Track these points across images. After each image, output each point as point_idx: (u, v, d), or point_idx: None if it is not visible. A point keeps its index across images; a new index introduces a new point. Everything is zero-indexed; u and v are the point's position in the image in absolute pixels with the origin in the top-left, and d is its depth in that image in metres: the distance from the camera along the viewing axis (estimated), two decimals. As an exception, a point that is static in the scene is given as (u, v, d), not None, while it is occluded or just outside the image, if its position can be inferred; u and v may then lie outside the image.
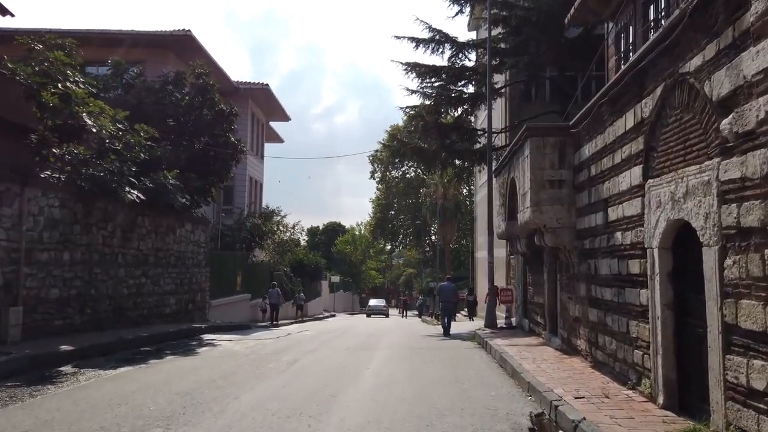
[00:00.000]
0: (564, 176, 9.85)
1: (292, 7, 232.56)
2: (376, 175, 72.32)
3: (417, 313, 55.98)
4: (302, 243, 71.30)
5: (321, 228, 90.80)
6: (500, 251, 30.55)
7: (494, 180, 17.14)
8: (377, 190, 72.80)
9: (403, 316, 45.75)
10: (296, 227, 40.07)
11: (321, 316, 42.20)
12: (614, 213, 7.61)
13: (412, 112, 23.54)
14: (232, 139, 20.83)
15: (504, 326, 16.15)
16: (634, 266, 6.86)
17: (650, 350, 6.33)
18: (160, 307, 16.64)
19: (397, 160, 72.73)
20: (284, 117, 36.54)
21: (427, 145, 24.49)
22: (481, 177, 36.77)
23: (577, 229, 9.66)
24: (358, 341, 15.25)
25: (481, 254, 38.57)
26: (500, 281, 32.20)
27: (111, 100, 17.42)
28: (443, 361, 10.89)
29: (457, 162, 25.32)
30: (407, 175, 71.80)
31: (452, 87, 24.29)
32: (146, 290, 15.71)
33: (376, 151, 73.15)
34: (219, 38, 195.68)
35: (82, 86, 13.06)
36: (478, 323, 24.24)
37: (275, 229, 34.74)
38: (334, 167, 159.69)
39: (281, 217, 39.25)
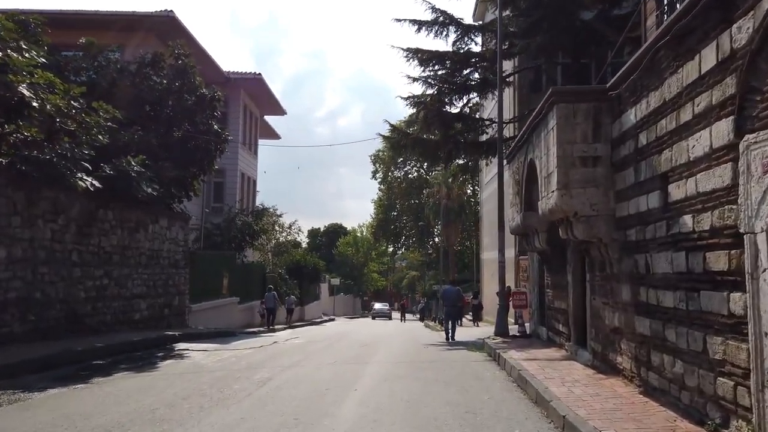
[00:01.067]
0: (599, 151, 7.91)
1: (295, 13, 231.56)
2: (377, 175, 70.52)
3: (419, 316, 54.52)
4: (303, 245, 69.95)
5: (322, 230, 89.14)
6: (508, 251, 28.58)
7: (506, 169, 15.23)
8: (379, 190, 70.96)
9: (402, 320, 45.32)
10: (293, 227, 38.11)
11: (319, 320, 40.26)
12: (679, 190, 5.67)
13: (413, 100, 21.65)
14: (216, 127, 18.95)
15: (517, 334, 14.20)
16: (718, 260, 4.92)
17: (750, 381, 4.38)
18: (128, 312, 14.74)
19: (399, 160, 71.12)
20: (279, 110, 34.67)
21: (430, 137, 22.67)
22: (488, 173, 34.84)
23: (616, 217, 7.72)
24: (351, 352, 13.31)
25: (487, 255, 36.62)
26: (508, 284, 30.12)
27: (81, 84, 15.60)
28: (449, 380, 8.93)
29: (463, 155, 23.36)
30: (410, 176, 69.96)
31: (457, 74, 22.42)
32: (110, 293, 13.82)
33: (378, 151, 71.75)
34: (222, 42, 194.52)
35: (27, 56, 11.17)
36: (484, 329, 22.25)
37: (268, 228, 32.90)
38: (336, 170, 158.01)
39: (277, 217, 37.46)
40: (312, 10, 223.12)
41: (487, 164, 23.40)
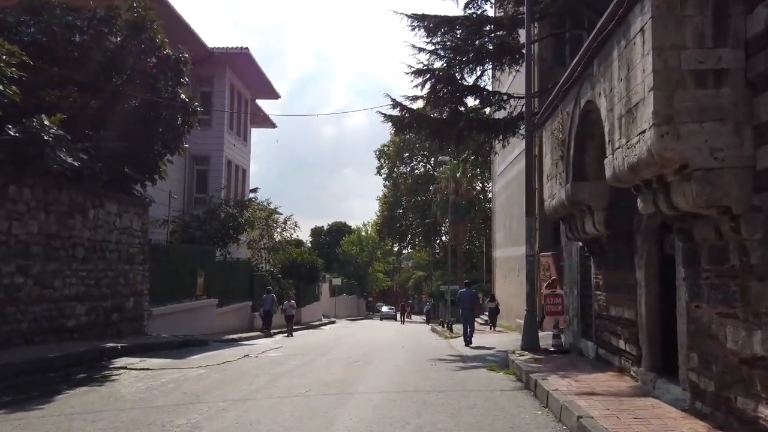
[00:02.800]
0: (726, 61, 4.73)
1: (302, 18, 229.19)
2: (382, 171, 67.49)
3: (425, 318, 51.73)
4: (306, 244, 66.88)
5: (326, 228, 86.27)
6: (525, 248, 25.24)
7: (530, 154, 12.07)
8: (384, 187, 67.92)
9: (402, 322, 44.87)
10: (288, 223, 34.95)
11: (317, 323, 37.19)
12: None
13: (419, 68, 18.51)
14: (183, 96, 15.85)
15: (551, 349, 11.01)
16: None
17: None
18: (57, 318, 11.64)
19: (406, 155, 67.84)
20: (272, 94, 31.55)
21: (438, 116, 19.62)
22: (502, 162, 31.59)
23: (757, 169, 4.57)
24: (335, 372, 10.15)
25: (500, 253, 33.35)
26: (521, 289, 26.73)
27: (21, 43, 12.60)
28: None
29: (476, 134, 20.14)
30: (416, 171, 66.93)
31: (470, 43, 19.30)
32: (27, 294, 10.72)
33: (383, 145, 68.56)
34: (225, 42, 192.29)
35: None
36: (501, 337, 19.04)
37: (255, 221, 29.81)
38: (341, 171, 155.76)
39: (271, 211, 34.35)
40: (317, 12, 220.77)
41: (504, 145, 20.11)
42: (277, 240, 33.79)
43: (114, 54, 14.73)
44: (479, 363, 11.89)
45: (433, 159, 65.13)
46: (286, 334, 23.03)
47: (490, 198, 60.47)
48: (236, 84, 28.08)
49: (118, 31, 14.93)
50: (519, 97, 20.69)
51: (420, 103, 19.08)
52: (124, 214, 14.13)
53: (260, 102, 32.83)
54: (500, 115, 20.47)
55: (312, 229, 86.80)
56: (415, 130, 19.76)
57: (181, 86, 15.86)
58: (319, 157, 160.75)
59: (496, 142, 20.35)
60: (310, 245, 78.11)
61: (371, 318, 61.74)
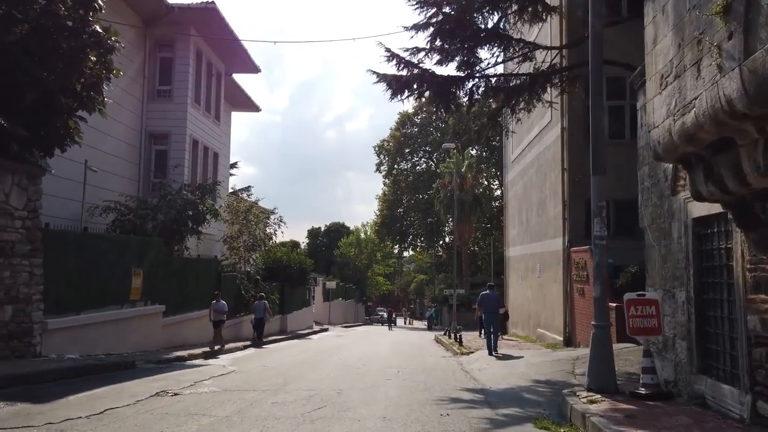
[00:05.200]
0: None
1: (304, 23, 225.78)
2: (382, 168, 63.23)
3: (426, 324, 47.90)
4: (302, 246, 62.62)
5: (323, 229, 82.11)
6: (551, 242, 20.86)
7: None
8: (384, 185, 63.72)
9: (389, 329, 43.70)
10: (272, 218, 30.55)
11: (305, 331, 32.76)
12: None
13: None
14: (96, 27, 11.46)
15: (642, 391, 6.60)
16: None
17: None
18: None
19: (407, 151, 63.46)
20: (250, 67, 27.08)
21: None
22: (514, 149, 27.19)
23: None
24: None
25: (515, 251, 28.86)
26: (542, 291, 22.34)
27: None
28: None
29: (493, 95, 15.75)
30: (417, 167, 62.71)
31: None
32: None
33: (383, 140, 64.19)
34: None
35: None
36: (530, 355, 14.41)
37: (229, 210, 25.54)
38: (343, 174, 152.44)
39: (252, 204, 30.00)
40: (319, 16, 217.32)
41: (530, 109, 15.69)
42: (258, 237, 29.38)
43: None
44: (516, 408, 7.49)
45: (435, 154, 61.06)
46: (259, 344, 18.68)
47: (497, 196, 56.53)
48: (205, 51, 23.70)
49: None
50: (551, 48, 16.42)
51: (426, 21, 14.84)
52: (-6, 186, 9.76)
53: (242, 82, 28.50)
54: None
55: (309, 230, 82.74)
56: (416, 93, 15.35)
57: (93, 12, 11.49)
58: (322, 160, 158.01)
59: (516, 110, 15.90)
60: (306, 247, 73.99)
61: (369, 324, 57.41)
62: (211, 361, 14.17)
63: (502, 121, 17.69)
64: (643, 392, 6.57)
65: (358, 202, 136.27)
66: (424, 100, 17.42)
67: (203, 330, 18.01)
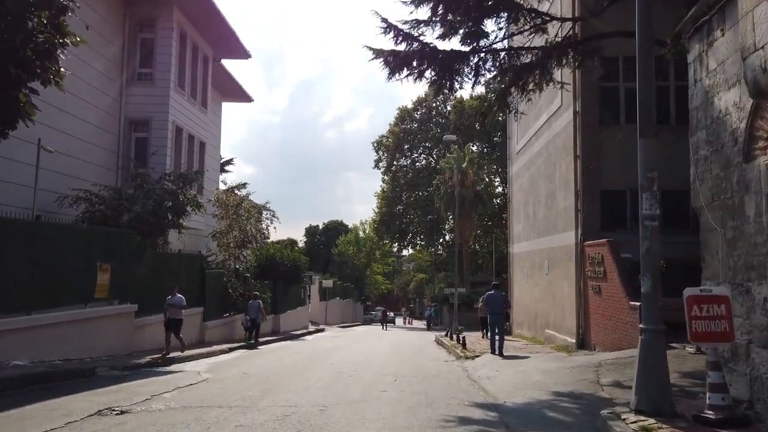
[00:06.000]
0: None
1: (301, 19, 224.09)
2: (381, 164, 61.72)
3: (425, 324, 46.44)
4: (291, 242, 61.11)
5: (321, 228, 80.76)
6: (561, 237, 19.24)
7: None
8: (383, 182, 62.18)
9: (384, 328, 43.63)
10: (264, 213, 28.94)
11: (300, 332, 31.24)
12: None
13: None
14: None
15: (710, 415, 5.08)
16: None
17: None
18: None
19: (406, 147, 61.80)
20: (239, 52, 25.50)
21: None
22: (520, 139, 25.63)
23: None
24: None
25: (519, 248, 27.30)
26: (550, 289, 20.65)
27: None
28: None
29: (500, 72, 14.19)
30: (417, 164, 61.20)
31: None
32: None
33: (381, 136, 62.64)
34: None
35: None
36: (542, 360, 12.77)
37: (214, 203, 23.96)
38: (344, 175, 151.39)
39: (242, 198, 28.41)
40: (318, 17, 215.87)
41: (542, 87, 14.12)
42: (250, 233, 27.78)
43: None
44: (537, 430, 5.97)
45: (435, 150, 59.52)
46: (246, 346, 17.11)
47: (498, 193, 54.98)
48: (191, 33, 22.14)
49: None
50: (565, 20, 14.89)
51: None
52: None
53: (232, 68, 26.94)
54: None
55: (306, 228, 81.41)
56: (416, 72, 13.79)
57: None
58: (322, 160, 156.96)
59: (527, 89, 14.35)
60: (304, 245, 72.52)
61: (368, 324, 55.91)
62: (186, 366, 12.62)
63: (510, 101, 16.12)
64: (712, 416, 5.05)
65: (358, 202, 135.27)
66: (425, 80, 15.79)
67: (183, 331, 16.44)
